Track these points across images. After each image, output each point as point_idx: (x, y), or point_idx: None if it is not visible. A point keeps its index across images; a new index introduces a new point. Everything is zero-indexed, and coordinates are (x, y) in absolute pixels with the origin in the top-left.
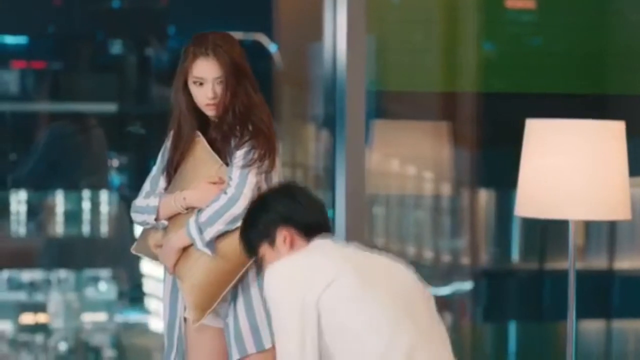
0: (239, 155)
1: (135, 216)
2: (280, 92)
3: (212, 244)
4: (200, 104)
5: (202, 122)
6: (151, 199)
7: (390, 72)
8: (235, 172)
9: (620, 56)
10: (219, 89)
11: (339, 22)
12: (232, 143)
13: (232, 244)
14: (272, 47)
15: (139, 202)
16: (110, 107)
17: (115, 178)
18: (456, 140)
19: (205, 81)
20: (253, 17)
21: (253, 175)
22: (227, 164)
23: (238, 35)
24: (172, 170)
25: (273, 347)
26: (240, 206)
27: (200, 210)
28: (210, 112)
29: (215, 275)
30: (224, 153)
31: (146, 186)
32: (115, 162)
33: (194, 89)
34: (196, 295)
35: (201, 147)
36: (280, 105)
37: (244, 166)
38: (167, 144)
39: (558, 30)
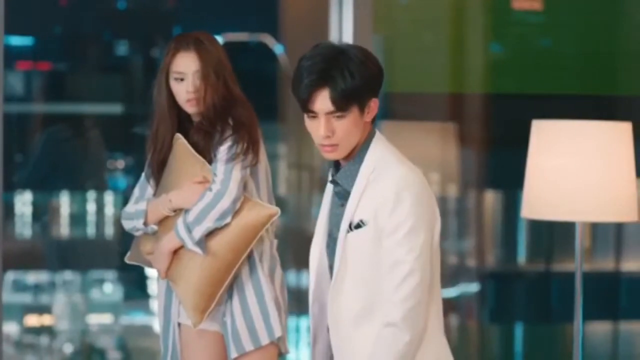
0: (222, 151)
1: (125, 223)
2: (286, 93)
3: (202, 242)
4: (181, 101)
5: (182, 125)
6: (140, 203)
7: (397, 73)
8: (220, 168)
9: (628, 57)
10: (198, 83)
11: (345, 22)
12: (215, 139)
13: (223, 241)
14: (278, 48)
15: (128, 208)
16: (116, 108)
17: (121, 179)
18: (463, 142)
19: (186, 76)
20: (259, 18)
21: (238, 171)
22: (210, 163)
23: (244, 36)
24: (156, 174)
25: (270, 344)
26: (227, 202)
27: (187, 210)
28: (191, 108)
29: (209, 275)
30: (207, 153)
31: (135, 192)
32: (120, 163)
33: (175, 86)
34: (192, 298)
35: (182, 147)
36: (286, 106)
37: (228, 161)
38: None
39: (565, 31)
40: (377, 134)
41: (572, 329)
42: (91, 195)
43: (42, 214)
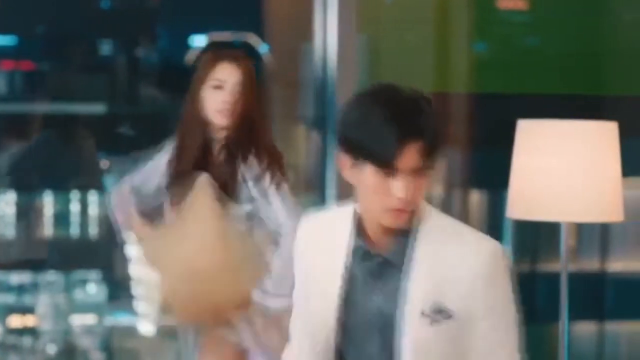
0: (270, 186)
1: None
2: (271, 93)
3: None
4: (213, 110)
5: (206, 150)
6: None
7: (381, 73)
8: (282, 214)
9: (614, 56)
10: (237, 95)
11: (330, 22)
12: (238, 159)
13: None
14: (263, 48)
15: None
16: (100, 108)
17: (106, 179)
18: (447, 141)
19: (226, 84)
20: (243, 18)
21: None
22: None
23: (228, 35)
24: (175, 185)
25: None
26: None
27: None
28: (222, 119)
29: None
30: (231, 177)
31: (145, 189)
32: (105, 163)
33: (210, 94)
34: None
35: (204, 191)
36: (270, 106)
37: (278, 188)
38: (170, 156)
39: (550, 30)
40: None
41: (557, 329)
42: (75, 195)
43: (26, 213)
